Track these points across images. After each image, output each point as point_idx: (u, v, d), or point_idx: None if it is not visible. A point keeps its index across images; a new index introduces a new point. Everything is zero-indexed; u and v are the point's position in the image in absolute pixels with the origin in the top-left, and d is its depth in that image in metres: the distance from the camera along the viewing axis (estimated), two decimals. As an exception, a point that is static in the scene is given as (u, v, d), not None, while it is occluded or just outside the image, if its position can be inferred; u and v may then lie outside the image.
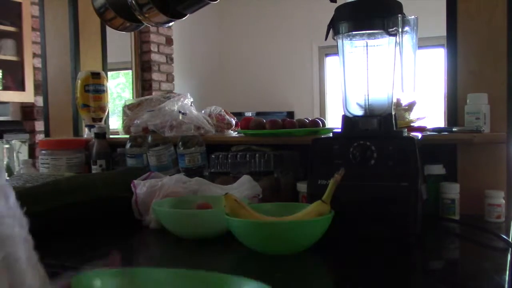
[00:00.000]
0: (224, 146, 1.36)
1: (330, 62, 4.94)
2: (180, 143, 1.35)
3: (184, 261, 0.86)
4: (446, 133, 1.18)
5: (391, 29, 0.96)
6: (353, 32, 1.00)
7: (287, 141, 1.33)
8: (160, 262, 0.91)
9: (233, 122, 1.55)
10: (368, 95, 1.02)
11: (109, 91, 1.80)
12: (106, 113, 1.79)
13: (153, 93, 4.13)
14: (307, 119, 1.39)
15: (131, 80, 4.24)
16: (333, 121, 3.97)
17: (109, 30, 1.67)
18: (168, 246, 0.95)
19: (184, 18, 1.38)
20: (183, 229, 0.95)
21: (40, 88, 2.45)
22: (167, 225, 0.96)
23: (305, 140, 1.16)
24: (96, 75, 1.74)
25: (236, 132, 1.55)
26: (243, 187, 1.09)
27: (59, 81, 1.90)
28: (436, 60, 4.20)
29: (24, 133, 3.45)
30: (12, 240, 0.43)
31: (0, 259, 0.41)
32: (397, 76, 1.01)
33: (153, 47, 4.23)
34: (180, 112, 1.48)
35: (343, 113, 1.03)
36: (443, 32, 1.25)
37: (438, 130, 1.21)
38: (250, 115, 4.15)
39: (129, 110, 1.65)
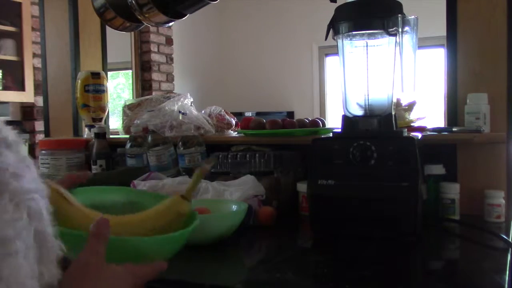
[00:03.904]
0: (224, 146, 1.36)
1: (330, 62, 4.93)
2: (180, 143, 1.35)
3: (182, 260, 0.86)
4: (446, 133, 1.18)
5: (391, 29, 0.96)
6: (353, 32, 1.00)
7: (287, 141, 1.33)
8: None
9: (233, 122, 1.55)
10: (368, 95, 1.02)
11: (108, 91, 1.80)
12: (106, 113, 1.79)
13: (153, 93, 4.13)
14: (307, 119, 1.39)
15: (131, 80, 4.24)
16: (333, 121, 3.97)
17: (109, 30, 1.67)
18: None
19: (184, 18, 1.38)
20: None
21: (40, 88, 2.44)
22: None
23: (305, 140, 1.16)
24: (96, 75, 1.74)
25: (236, 132, 1.55)
26: (247, 186, 1.09)
27: (59, 81, 1.90)
28: (436, 60, 4.20)
29: (24, 133, 3.45)
30: (41, 216, 0.44)
31: (32, 234, 0.41)
32: (397, 76, 1.01)
33: (153, 47, 4.23)
34: (180, 112, 1.48)
35: (343, 113, 1.03)
36: (443, 32, 1.25)
37: (438, 130, 1.21)
38: (250, 115, 4.15)
39: (129, 110, 1.65)
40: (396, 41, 0.98)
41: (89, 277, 0.50)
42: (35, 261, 0.41)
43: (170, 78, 4.44)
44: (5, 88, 3.36)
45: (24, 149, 0.47)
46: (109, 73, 1.96)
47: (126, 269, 0.54)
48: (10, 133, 0.45)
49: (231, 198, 1.06)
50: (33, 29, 3.40)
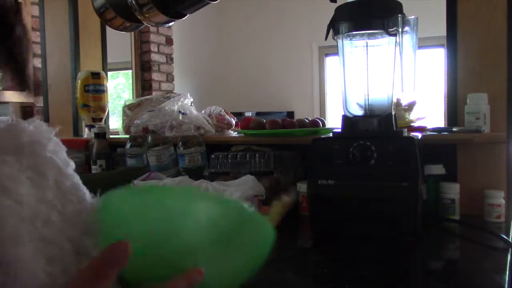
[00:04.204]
0: (224, 146, 1.36)
1: (330, 62, 4.94)
2: (180, 143, 1.34)
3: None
4: (446, 133, 1.18)
5: (391, 29, 0.96)
6: (353, 32, 1.00)
7: (287, 141, 1.33)
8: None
9: (233, 122, 1.55)
10: (368, 95, 1.02)
11: (108, 91, 1.80)
12: (106, 113, 1.79)
13: (153, 93, 4.13)
14: (307, 119, 1.39)
15: (131, 80, 4.24)
16: (333, 121, 3.97)
17: (109, 30, 1.67)
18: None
19: (184, 18, 1.38)
20: None
21: (40, 88, 2.45)
22: None
23: (305, 140, 1.16)
24: (96, 75, 1.74)
25: (236, 132, 1.55)
26: (246, 186, 1.09)
27: (59, 81, 1.90)
28: (436, 60, 4.20)
29: (24, 133, 3.45)
30: (14, 239, 0.37)
31: None
32: (397, 76, 1.01)
33: (153, 47, 4.23)
34: (180, 112, 1.48)
35: (343, 113, 1.03)
36: (443, 32, 1.25)
37: (438, 130, 1.21)
38: (250, 115, 4.15)
39: (129, 110, 1.65)
40: (396, 41, 0.98)
41: None
42: None
43: (170, 78, 4.44)
44: (5, 88, 3.36)
45: (52, 150, 0.42)
46: (109, 73, 1.96)
47: None
48: (29, 135, 0.40)
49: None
50: (33, 29, 3.40)
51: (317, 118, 1.40)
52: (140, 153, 1.41)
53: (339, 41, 1.03)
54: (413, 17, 0.99)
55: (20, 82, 0.44)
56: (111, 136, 1.74)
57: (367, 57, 1.01)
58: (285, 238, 1.04)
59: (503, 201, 1.08)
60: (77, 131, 1.87)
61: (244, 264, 0.39)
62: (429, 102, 3.69)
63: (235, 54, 5.13)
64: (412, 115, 1.33)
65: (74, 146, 1.62)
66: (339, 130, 1.03)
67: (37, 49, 3.36)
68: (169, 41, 4.42)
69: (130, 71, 4.22)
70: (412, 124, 1.30)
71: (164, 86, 4.36)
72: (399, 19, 0.96)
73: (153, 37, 4.22)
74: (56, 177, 0.42)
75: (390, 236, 0.94)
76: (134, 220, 0.36)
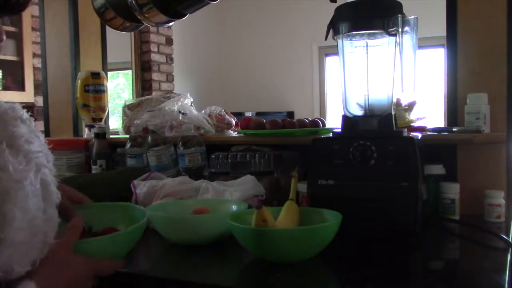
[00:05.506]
0: (224, 146, 1.36)
1: (330, 62, 4.94)
2: (180, 143, 1.35)
3: (182, 260, 0.86)
4: (446, 133, 1.19)
5: (391, 29, 0.96)
6: (353, 32, 1.00)
7: (287, 141, 1.33)
8: (158, 261, 0.91)
9: (233, 122, 1.55)
10: (368, 95, 1.02)
11: (108, 91, 1.80)
12: (106, 113, 1.79)
13: (153, 93, 4.13)
14: (307, 119, 1.39)
15: (131, 80, 4.24)
16: (333, 121, 3.97)
17: (109, 30, 1.67)
18: (167, 246, 0.95)
19: (184, 18, 1.38)
20: (175, 234, 0.94)
21: (40, 88, 2.45)
22: (160, 230, 0.95)
23: (305, 140, 1.16)
24: (96, 75, 1.74)
25: (236, 132, 1.55)
26: (246, 186, 1.09)
27: (59, 81, 1.90)
28: (436, 60, 4.20)
29: (24, 133, 3.45)
30: (45, 169, 0.61)
31: (39, 181, 0.59)
32: (397, 76, 1.01)
33: (153, 47, 4.23)
34: (180, 112, 1.48)
35: (343, 113, 1.03)
36: (443, 32, 1.25)
37: (438, 130, 1.21)
38: (250, 115, 4.15)
39: (129, 110, 1.65)
40: (396, 41, 0.98)
41: (54, 263, 0.62)
42: (41, 198, 0.59)
43: (170, 78, 4.44)
44: (5, 88, 3.36)
45: (33, 124, 0.63)
46: (109, 73, 1.96)
47: (87, 261, 0.68)
48: (24, 112, 0.63)
49: (231, 198, 1.06)
50: (33, 29, 3.40)
51: (317, 118, 1.40)
52: (140, 153, 1.41)
53: (339, 41, 1.03)
54: (413, 17, 0.99)
55: None
56: (111, 136, 1.74)
57: (367, 57, 1.01)
58: (285, 238, 1.04)
59: (503, 201, 1.08)
60: (77, 131, 1.87)
61: None
62: (429, 102, 3.69)
63: (235, 54, 5.13)
64: (412, 115, 1.33)
65: (74, 146, 1.62)
66: (339, 130, 1.03)
67: (37, 49, 3.36)
68: (169, 41, 4.42)
69: (130, 71, 4.22)
70: (412, 124, 1.30)
71: (164, 86, 4.36)
72: (399, 19, 0.96)
73: (153, 37, 4.22)
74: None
75: (390, 236, 0.94)
76: None
